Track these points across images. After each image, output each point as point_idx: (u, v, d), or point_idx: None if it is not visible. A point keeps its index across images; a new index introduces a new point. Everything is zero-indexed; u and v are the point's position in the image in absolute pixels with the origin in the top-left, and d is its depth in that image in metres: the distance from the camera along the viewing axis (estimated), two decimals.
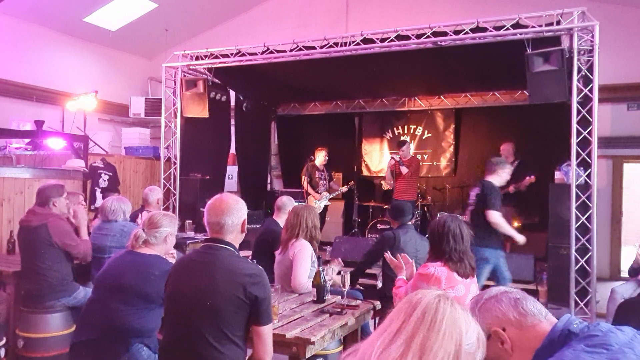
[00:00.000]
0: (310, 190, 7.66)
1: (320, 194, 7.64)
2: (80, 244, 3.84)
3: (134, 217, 4.52)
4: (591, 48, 5.31)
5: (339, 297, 3.25)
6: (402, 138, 8.57)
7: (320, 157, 7.75)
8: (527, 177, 6.33)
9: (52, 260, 3.73)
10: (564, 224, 5.45)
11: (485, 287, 1.93)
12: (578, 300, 5.33)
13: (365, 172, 9.13)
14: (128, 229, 3.97)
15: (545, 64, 5.35)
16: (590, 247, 5.28)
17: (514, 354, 1.26)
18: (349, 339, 3.27)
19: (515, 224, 7.06)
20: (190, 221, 6.61)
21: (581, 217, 5.32)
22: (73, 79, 8.21)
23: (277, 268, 3.68)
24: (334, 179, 8.13)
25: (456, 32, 5.69)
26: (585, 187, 5.37)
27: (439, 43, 5.77)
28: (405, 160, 7.39)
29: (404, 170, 7.23)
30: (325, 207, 7.82)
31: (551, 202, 5.70)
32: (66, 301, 3.81)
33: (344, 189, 7.81)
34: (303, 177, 7.72)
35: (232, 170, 8.86)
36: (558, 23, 5.37)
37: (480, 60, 6.29)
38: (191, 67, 7.48)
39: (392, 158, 7.47)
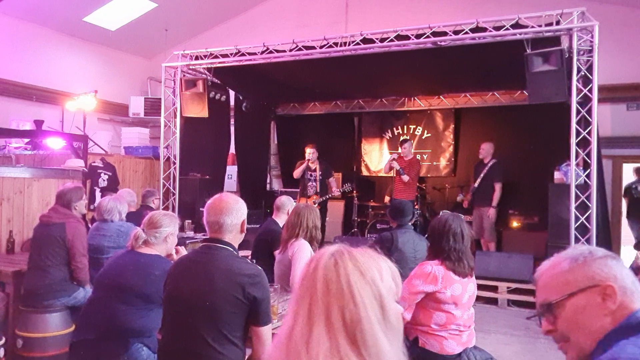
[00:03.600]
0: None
1: (310, 196, 7.09)
2: (85, 259, 3.83)
3: (136, 217, 4.50)
4: (590, 48, 5.31)
5: None
6: (401, 138, 8.56)
7: (307, 155, 7.16)
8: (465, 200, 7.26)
9: (59, 259, 3.74)
10: (564, 224, 5.45)
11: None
12: None
13: (364, 172, 9.13)
14: (125, 229, 3.98)
15: (544, 64, 5.36)
16: None
17: (607, 317, 1.16)
18: None
19: (515, 223, 7.08)
20: (190, 221, 6.62)
21: (580, 217, 5.33)
22: (72, 78, 8.20)
23: (276, 268, 3.67)
24: (334, 176, 7.68)
25: (456, 32, 5.69)
26: (584, 187, 5.37)
27: (438, 43, 5.77)
28: (406, 160, 7.35)
29: (405, 178, 7.13)
30: (324, 209, 7.34)
31: (551, 202, 5.71)
32: (65, 301, 3.81)
33: (337, 192, 7.39)
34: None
35: (231, 170, 8.86)
36: (557, 23, 5.37)
37: (480, 60, 6.29)
38: (191, 67, 7.48)
39: (392, 165, 7.26)
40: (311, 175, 7.17)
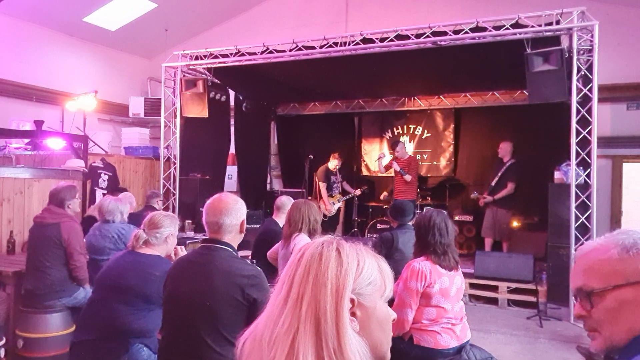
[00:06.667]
0: (324, 195, 7.80)
1: (333, 196, 7.83)
2: (83, 257, 3.84)
3: (139, 218, 4.51)
4: (590, 48, 5.32)
5: None
6: (401, 138, 8.60)
7: (334, 163, 7.92)
8: (482, 198, 7.02)
9: (57, 260, 3.75)
10: (564, 224, 5.45)
11: None
12: None
13: (364, 172, 9.13)
14: (127, 232, 3.99)
15: (544, 64, 5.36)
16: None
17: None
18: None
19: (515, 223, 7.09)
20: (190, 221, 6.62)
21: (581, 216, 5.33)
22: (73, 79, 8.20)
23: (281, 263, 3.68)
24: (344, 181, 8.33)
25: (456, 32, 5.69)
26: (584, 187, 5.38)
27: (438, 43, 5.77)
28: (404, 160, 7.42)
29: (408, 177, 7.27)
30: (338, 208, 8.02)
31: (551, 202, 5.71)
32: (66, 301, 3.82)
33: (358, 192, 8.04)
34: (320, 183, 7.83)
35: (231, 170, 8.86)
36: (557, 23, 5.38)
37: (480, 60, 6.29)
38: (191, 67, 7.48)
39: (393, 166, 7.44)
40: (336, 178, 8.11)
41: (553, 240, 5.66)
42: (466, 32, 5.64)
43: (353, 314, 0.90)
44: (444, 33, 5.74)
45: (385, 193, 8.09)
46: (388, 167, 7.59)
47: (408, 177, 7.25)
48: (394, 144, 7.72)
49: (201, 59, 7.20)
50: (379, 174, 8.81)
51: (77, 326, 2.80)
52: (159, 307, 2.50)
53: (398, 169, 7.28)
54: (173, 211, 7.23)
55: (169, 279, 2.22)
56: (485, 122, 8.20)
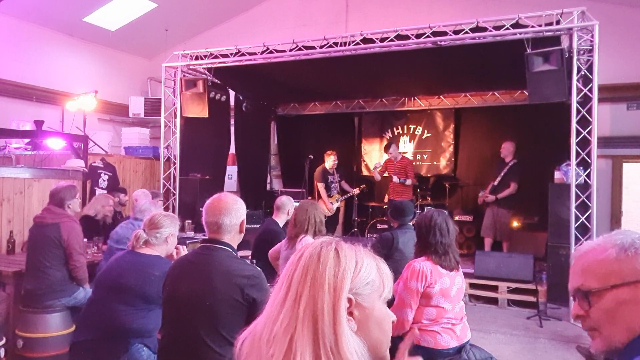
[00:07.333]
0: (324, 196, 7.81)
1: (332, 196, 7.84)
2: (83, 257, 3.85)
3: None
4: (591, 48, 5.31)
5: None
6: (401, 138, 8.65)
7: (330, 161, 7.84)
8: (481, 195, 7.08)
9: (57, 260, 3.76)
10: (564, 224, 5.45)
11: None
12: None
13: (364, 172, 9.13)
14: None
15: (544, 64, 5.36)
16: None
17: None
18: None
19: (515, 223, 7.09)
20: (190, 221, 6.62)
21: (581, 216, 5.33)
22: (73, 79, 8.20)
23: (283, 263, 3.67)
24: (342, 180, 8.32)
25: (456, 32, 5.69)
26: (584, 187, 5.37)
27: (438, 43, 5.77)
28: (397, 162, 7.51)
29: (409, 182, 7.38)
30: (337, 208, 8.06)
31: (551, 202, 5.71)
32: (66, 301, 3.82)
33: (356, 191, 8.01)
34: (318, 183, 7.84)
35: (231, 170, 8.86)
36: (558, 23, 5.38)
37: (480, 60, 6.29)
38: (191, 67, 7.48)
39: (393, 179, 7.52)
40: (333, 178, 7.98)
41: (553, 240, 5.66)
42: (466, 32, 5.64)
43: (350, 314, 0.90)
44: (444, 33, 5.74)
45: (387, 197, 8.12)
46: (382, 172, 7.73)
47: (409, 182, 7.37)
48: (386, 146, 7.80)
49: (201, 59, 7.20)
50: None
51: (77, 326, 2.80)
52: (158, 307, 2.50)
53: (398, 180, 7.39)
54: (173, 211, 7.23)
55: (169, 279, 2.22)
56: (485, 122, 8.20)
